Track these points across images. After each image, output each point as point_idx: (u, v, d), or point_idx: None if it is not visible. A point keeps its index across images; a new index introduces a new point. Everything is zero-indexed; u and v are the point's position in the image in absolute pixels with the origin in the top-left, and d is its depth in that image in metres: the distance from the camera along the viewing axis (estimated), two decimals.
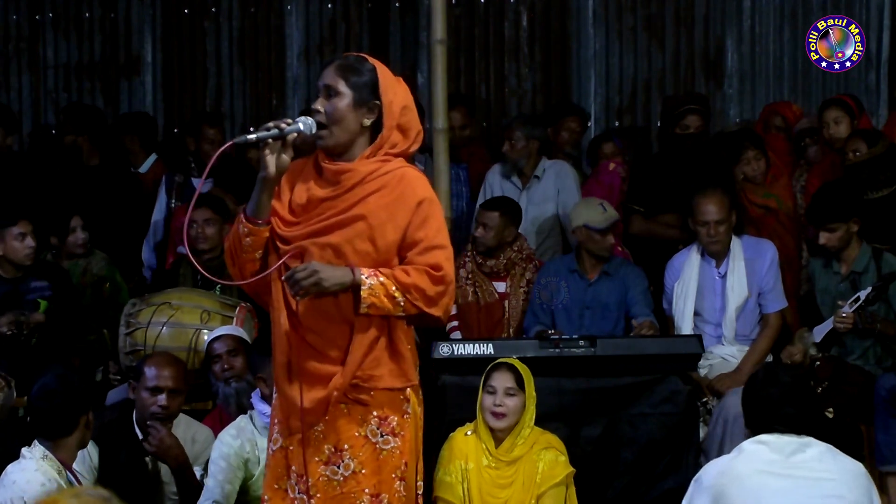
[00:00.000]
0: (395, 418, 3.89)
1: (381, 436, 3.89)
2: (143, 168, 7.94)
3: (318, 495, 3.89)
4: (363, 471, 3.87)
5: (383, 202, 3.85)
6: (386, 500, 3.88)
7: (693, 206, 6.35)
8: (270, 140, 3.81)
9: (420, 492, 4.00)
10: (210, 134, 7.69)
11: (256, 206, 3.89)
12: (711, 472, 3.88)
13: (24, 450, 4.70)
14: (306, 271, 3.77)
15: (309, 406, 3.87)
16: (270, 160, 3.81)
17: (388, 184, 3.86)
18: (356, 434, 3.88)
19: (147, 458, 5.28)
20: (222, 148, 3.89)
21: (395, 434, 3.89)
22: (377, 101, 3.87)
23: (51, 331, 6.38)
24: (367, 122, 3.89)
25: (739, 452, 3.85)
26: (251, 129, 3.92)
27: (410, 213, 3.84)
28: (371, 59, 3.95)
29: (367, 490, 3.87)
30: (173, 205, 7.45)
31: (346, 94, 3.87)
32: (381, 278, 3.80)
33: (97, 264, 6.99)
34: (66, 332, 6.47)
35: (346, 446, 3.88)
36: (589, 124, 8.40)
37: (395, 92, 3.90)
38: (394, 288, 3.80)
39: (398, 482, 3.90)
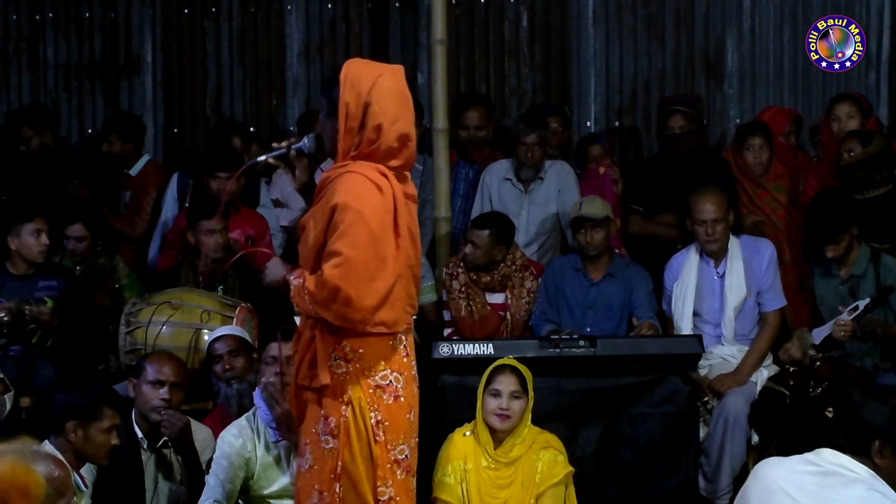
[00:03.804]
0: (333, 419, 3.98)
1: (324, 435, 4.00)
2: (134, 171, 7.90)
3: (297, 485, 4.10)
4: (315, 467, 4.02)
5: (315, 209, 4.01)
6: (328, 499, 3.98)
7: (690, 204, 6.34)
8: (271, 160, 4.15)
9: (383, 498, 4.02)
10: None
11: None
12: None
13: None
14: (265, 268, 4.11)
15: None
16: (288, 178, 4.14)
17: (329, 190, 3.98)
18: (312, 430, 4.03)
19: (146, 459, 5.29)
20: (237, 172, 4.56)
21: (333, 435, 3.98)
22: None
23: (57, 331, 6.37)
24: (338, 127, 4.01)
25: (780, 462, 3.81)
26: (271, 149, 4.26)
27: (326, 218, 3.94)
28: (348, 62, 4.04)
29: (315, 486, 4.01)
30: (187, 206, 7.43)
31: (323, 107, 4.08)
32: (300, 280, 3.96)
33: (120, 270, 6.99)
34: (71, 333, 6.47)
35: (306, 441, 4.05)
36: (588, 123, 8.41)
37: (355, 91, 3.95)
38: (304, 290, 3.94)
39: (335, 483, 3.97)
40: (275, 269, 4.09)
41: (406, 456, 4.06)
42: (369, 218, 3.89)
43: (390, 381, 4.01)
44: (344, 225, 3.87)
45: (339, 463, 3.95)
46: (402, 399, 4.03)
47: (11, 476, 2.81)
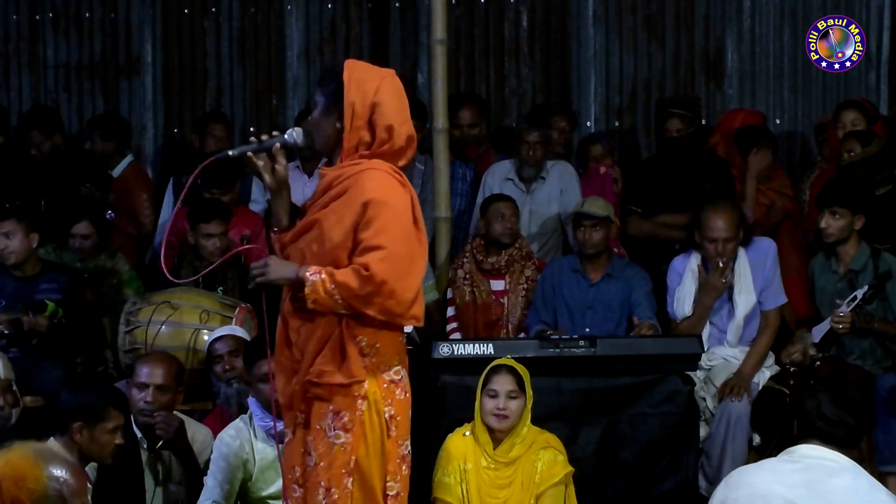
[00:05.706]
0: (347, 414, 3.96)
1: (334, 430, 3.97)
2: (116, 172, 7.88)
3: (307, 485, 4.02)
4: (321, 463, 3.98)
5: (336, 205, 3.96)
6: (336, 495, 3.95)
7: (701, 220, 6.21)
8: (250, 153, 4.02)
9: (392, 493, 4.02)
10: (216, 131, 7.72)
11: (274, 216, 4.15)
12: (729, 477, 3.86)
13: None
14: (259, 264, 4.00)
15: (283, 401, 4.08)
16: (264, 172, 4.04)
17: (347, 187, 3.95)
18: (318, 427, 3.99)
19: (146, 459, 5.29)
20: (203, 163, 4.13)
21: (347, 430, 3.95)
22: (342, 104, 3.97)
23: (57, 332, 6.36)
24: (339, 125, 3.99)
25: (760, 466, 3.80)
26: (244, 143, 4.13)
27: (356, 215, 3.91)
28: (348, 62, 4.04)
29: (322, 483, 3.97)
30: (180, 206, 7.43)
31: (319, 102, 4.05)
32: (322, 275, 3.90)
33: (121, 268, 6.98)
34: (72, 334, 6.45)
35: (311, 438, 4.01)
36: (588, 123, 8.41)
37: (362, 92, 3.96)
38: (330, 285, 3.88)
39: (347, 478, 3.95)
40: (281, 266, 3.99)
41: (409, 452, 4.09)
42: (402, 213, 3.95)
43: (402, 377, 4.04)
44: (381, 220, 3.89)
45: (353, 457, 3.94)
46: (408, 395, 4.07)
47: (14, 464, 2.82)
